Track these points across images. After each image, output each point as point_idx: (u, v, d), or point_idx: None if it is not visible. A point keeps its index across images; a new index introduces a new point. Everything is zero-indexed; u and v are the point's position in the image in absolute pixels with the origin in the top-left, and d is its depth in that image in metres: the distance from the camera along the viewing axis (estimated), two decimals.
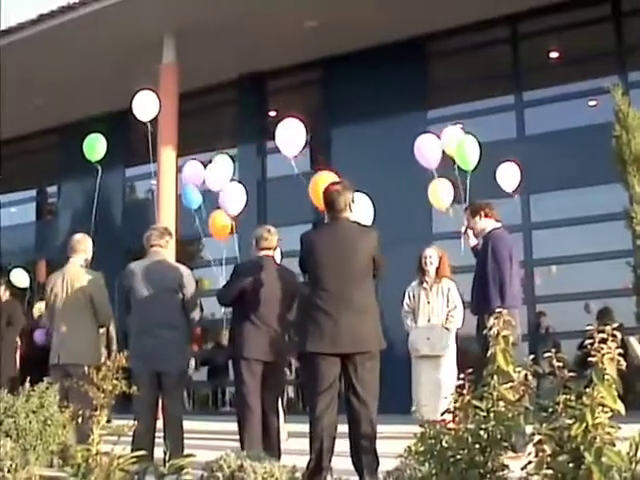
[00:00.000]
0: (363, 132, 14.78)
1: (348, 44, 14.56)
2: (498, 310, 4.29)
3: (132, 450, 5.09)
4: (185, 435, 7.55)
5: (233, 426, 7.85)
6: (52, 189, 20.01)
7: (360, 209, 8.05)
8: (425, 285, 9.55)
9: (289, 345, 7.65)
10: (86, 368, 4.76)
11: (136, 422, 5.50)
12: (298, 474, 5.05)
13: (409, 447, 4.10)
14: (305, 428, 6.42)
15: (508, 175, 10.26)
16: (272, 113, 16.22)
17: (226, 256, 11.69)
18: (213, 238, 11.54)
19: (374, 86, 14.75)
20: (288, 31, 14.15)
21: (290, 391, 14.89)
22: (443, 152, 9.88)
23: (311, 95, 16.22)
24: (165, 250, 7.86)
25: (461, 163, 9.62)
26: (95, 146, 11.57)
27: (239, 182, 11.15)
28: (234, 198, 10.80)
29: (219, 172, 10.99)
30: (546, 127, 13.53)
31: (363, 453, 6.03)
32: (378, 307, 6.38)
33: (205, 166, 11.14)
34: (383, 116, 14.60)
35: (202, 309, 8.02)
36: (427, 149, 9.95)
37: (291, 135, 9.78)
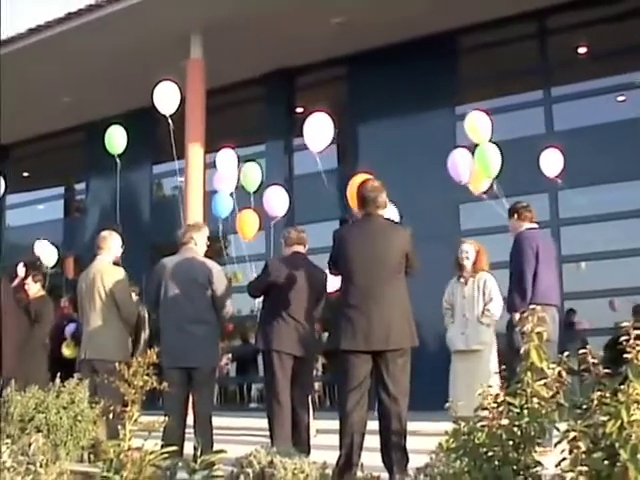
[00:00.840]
0: (391, 128, 14.73)
1: (375, 40, 14.51)
2: (532, 307, 4.24)
3: (162, 446, 5.10)
4: (214, 431, 7.59)
5: (260, 422, 7.87)
6: (80, 186, 20.12)
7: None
8: (462, 280, 9.51)
9: (317, 341, 7.66)
10: (117, 364, 4.77)
11: (166, 418, 5.51)
12: (328, 470, 5.05)
13: (440, 444, 4.09)
14: (333, 424, 6.42)
15: (551, 161, 10.25)
16: (299, 110, 16.22)
17: (254, 253, 11.74)
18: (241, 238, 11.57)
19: (402, 82, 14.70)
20: (315, 27, 14.13)
21: (318, 387, 14.89)
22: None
23: (339, 91, 16.17)
24: (197, 247, 7.89)
25: (485, 174, 9.58)
26: (115, 138, 11.57)
27: (281, 185, 11.27)
28: (277, 200, 10.90)
29: (250, 178, 11.12)
30: (575, 123, 13.43)
31: (393, 450, 6.04)
32: (410, 304, 6.39)
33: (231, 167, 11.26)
34: (411, 112, 14.56)
35: (233, 306, 8.03)
36: (460, 164, 9.87)
37: (318, 130, 9.78)
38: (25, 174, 21.36)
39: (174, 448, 4.70)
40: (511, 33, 14.14)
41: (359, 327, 6.14)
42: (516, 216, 8.30)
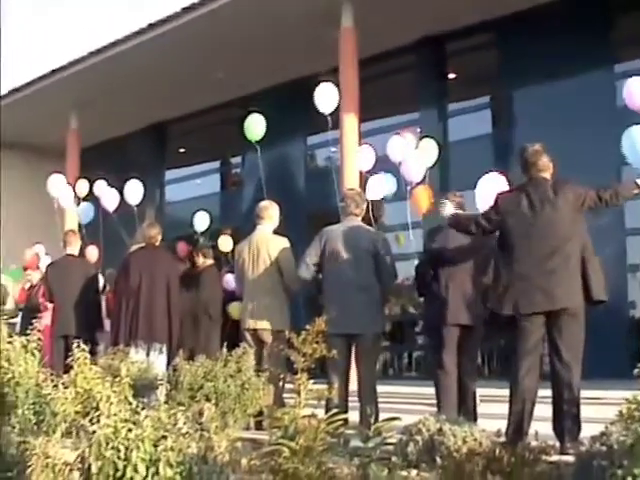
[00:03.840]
0: (545, 91, 14.32)
1: (526, 1, 14.11)
2: None
3: (329, 415, 5.14)
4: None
5: (420, 390, 7.83)
6: (235, 160, 20.43)
7: None
8: None
9: (483, 308, 7.53)
10: (286, 332, 4.81)
11: (332, 385, 5.55)
12: (502, 438, 4.97)
13: (621, 411, 3.96)
14: (495, 392, 6.35)
15: None
16: (451, 76, 16.01)
17: (402, 222, 11.73)
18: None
19: (555, 43, 14.20)
20: None
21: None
22: None
23: (491, 55, 15.82)
24: (359, 217, 7.93)
25: None
26: (253, 127, 11.93)
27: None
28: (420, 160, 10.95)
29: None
30: None
31: (564, 418, 5.94)
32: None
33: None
34: (565, 74, 14.10)
35: (396, 274, 8.02)
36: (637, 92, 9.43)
37: None
38: (181, 150, 21.86)
39: (345, 416, 4.70)
40: None
41: (536, 290, 6.08)
42: None
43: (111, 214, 14.53)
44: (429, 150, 11.48)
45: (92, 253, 13.35)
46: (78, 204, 15.56)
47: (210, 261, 11.85)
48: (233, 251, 12.36)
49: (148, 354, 9.19)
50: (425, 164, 11.25)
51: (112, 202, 14.43)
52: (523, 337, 6.09)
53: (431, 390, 7.70)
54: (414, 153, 11.33)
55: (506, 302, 6.19)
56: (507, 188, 7.78)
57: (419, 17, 14.66)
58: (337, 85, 12.09)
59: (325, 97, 11.79)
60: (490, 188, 9.31)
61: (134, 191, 14.20)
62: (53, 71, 17.97)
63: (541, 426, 5.89)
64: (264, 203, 9.06)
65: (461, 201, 7.86)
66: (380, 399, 7.71)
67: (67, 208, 16.55)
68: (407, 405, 9.42)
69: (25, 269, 13.21)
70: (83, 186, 15.31)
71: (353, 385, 7.73)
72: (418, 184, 11.32)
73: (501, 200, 6.53)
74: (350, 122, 13.63)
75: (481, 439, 5.00)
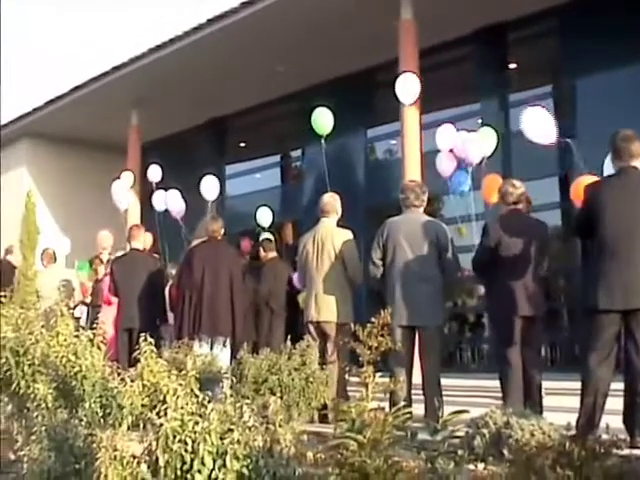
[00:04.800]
0: (609, 80, 14.06)
1: None
2: None
3: (390, 407, 5.10)
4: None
5: (482, 382, 7.75)
6: (295, 153, 20.44)
7: None
8: None
9: (544, 298, 7.45)
10: (351, 325, 4.79)
11: (396, 378, 5.51)
12: (571, 432, 4.89)
13: None
14: (558, 385, 6.25)
15: None
16: (512, 65, 15.83)
17: (470, 213, 11.62)
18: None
19: (619, 30, 13.95)
20: None
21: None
22: None
23: (552, 44, 15.56)
24: (420, 209, 7.90)
25: None
26: (321, 120, 11.89)
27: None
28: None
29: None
30: None
31: (636, 411, 5.83)
32: None
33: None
34: (630, 62, 13.81)
35: (460, 265, 7.98)
36: None
37: None
38: (242, 144, 21.92)
39: (410, 409, 4.66)
40: None
41: (616, 286, 5.93)
42: None
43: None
44: (488, 137, 11.36)
45: (147, 240, 13.33)
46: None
47: (273, 254, 11.86)
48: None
49: (212, 347, 9.22)
50: (484, 149, 11.15)
51: (178, 206, 14.61)
52: (599, 330, 5.97)
53: (495, 383, 7.65)
54: (472, 137, 11.23)
55: (588, 296, 6.07)
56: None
57: (478, 6, 14.50)
58: (396, 77, 12.00)
59: (406, 87, 11.70)
60: (534, 120, 9.38)
61: (210, 187, 14.29)
62: (114, 68, 18.14)
63: (611, 419, 5.81)
64: (327, 196, 9.05)
65: (521, 192, 7.78)
66: (444, 392, 7.66)
67: (130, 206, 16.79)
68: (471, 398, 9.36)
69: (97, 257, 13.19)
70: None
71: (416, 378, 7.71)
72: (480, 166, 11.23)
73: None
74: (411, 114, 13.54)
75: (549, 432, 4.93)
